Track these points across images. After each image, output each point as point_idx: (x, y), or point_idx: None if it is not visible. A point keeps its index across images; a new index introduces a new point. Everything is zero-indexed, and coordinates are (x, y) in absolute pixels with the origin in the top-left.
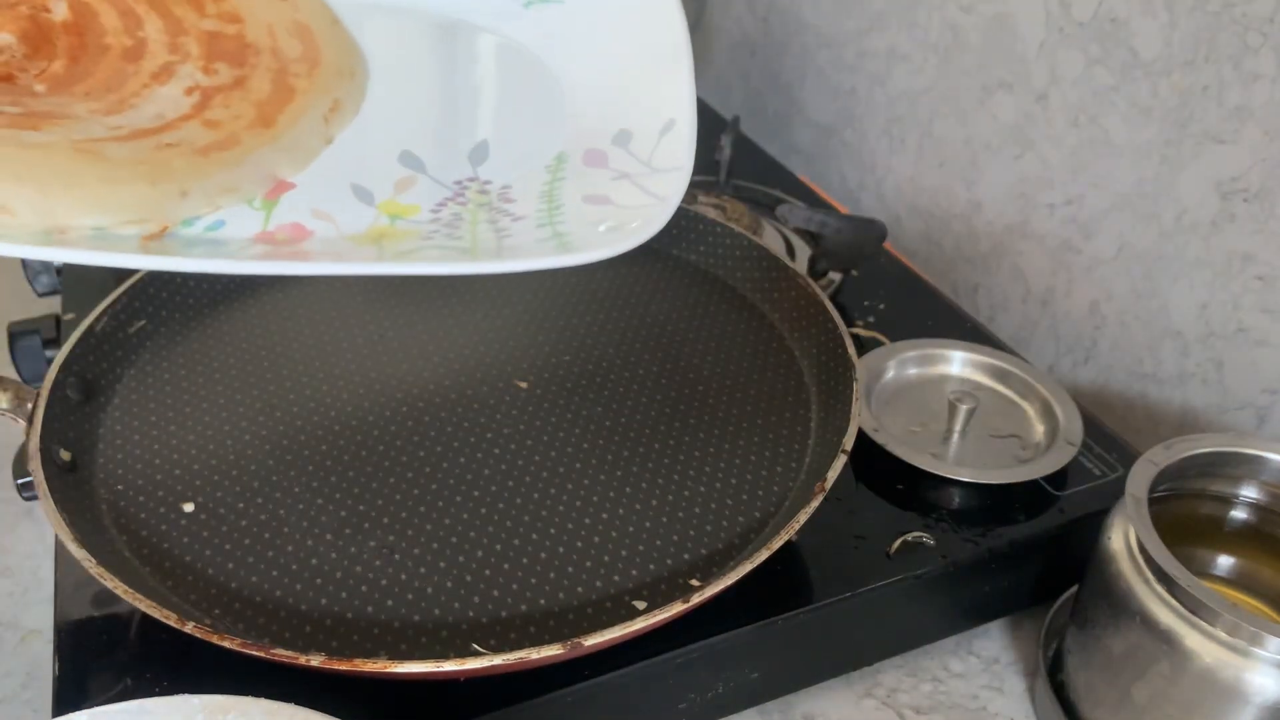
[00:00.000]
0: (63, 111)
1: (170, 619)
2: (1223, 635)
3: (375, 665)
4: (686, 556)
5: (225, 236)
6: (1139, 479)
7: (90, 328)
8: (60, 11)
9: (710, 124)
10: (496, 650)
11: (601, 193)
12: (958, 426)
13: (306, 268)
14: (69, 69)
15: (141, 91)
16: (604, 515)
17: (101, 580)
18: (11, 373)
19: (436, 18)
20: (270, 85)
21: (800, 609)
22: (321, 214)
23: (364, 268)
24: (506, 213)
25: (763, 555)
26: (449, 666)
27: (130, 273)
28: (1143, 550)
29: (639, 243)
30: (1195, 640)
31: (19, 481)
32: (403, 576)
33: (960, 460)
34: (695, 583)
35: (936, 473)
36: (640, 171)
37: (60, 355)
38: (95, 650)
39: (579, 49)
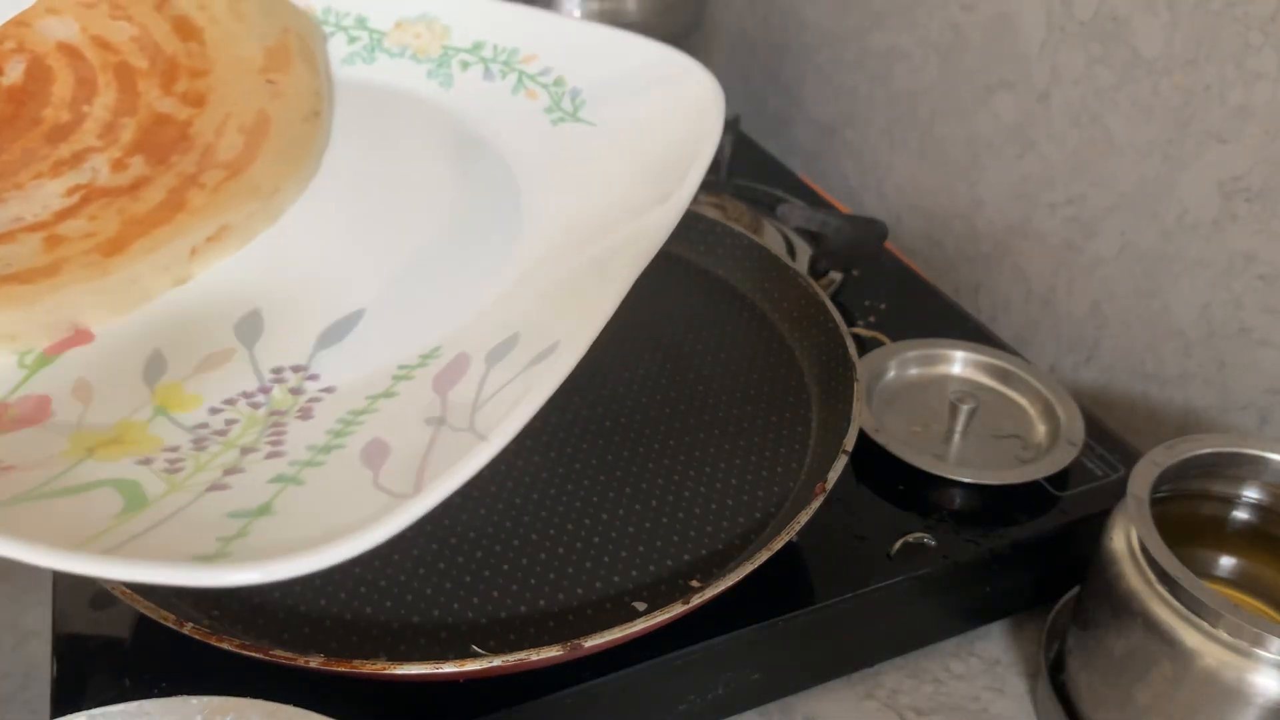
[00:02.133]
0: None
1: (169, 620)
2: (1225, 636)
3: (375, 666)
4: (686, 557)
5: None
6: (1141, 479)
7: None
8: (14, 74)
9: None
10: (496, 651)
11: (390, 443)
12: (959, 427)
13: None
14: None
15: (27, 184)
16: (604, 515)
17: (101, 580)
18: None
19: (446, 120)
20: (164, 195)
21: (801, 610)
22: (84, 389)
23: None
24: (277, 437)
25: (763, 556)
26: (448, 668)
27: None
28: (1145, 551)
29: (333, 562)
30: (1197, 641)
31: None
32: (402, 577)
33: (961, 461)
34: (695, 583)
35: (938, 473)
36: (456, 424)
37: None
38: (94, 651)
39: (571, 191)
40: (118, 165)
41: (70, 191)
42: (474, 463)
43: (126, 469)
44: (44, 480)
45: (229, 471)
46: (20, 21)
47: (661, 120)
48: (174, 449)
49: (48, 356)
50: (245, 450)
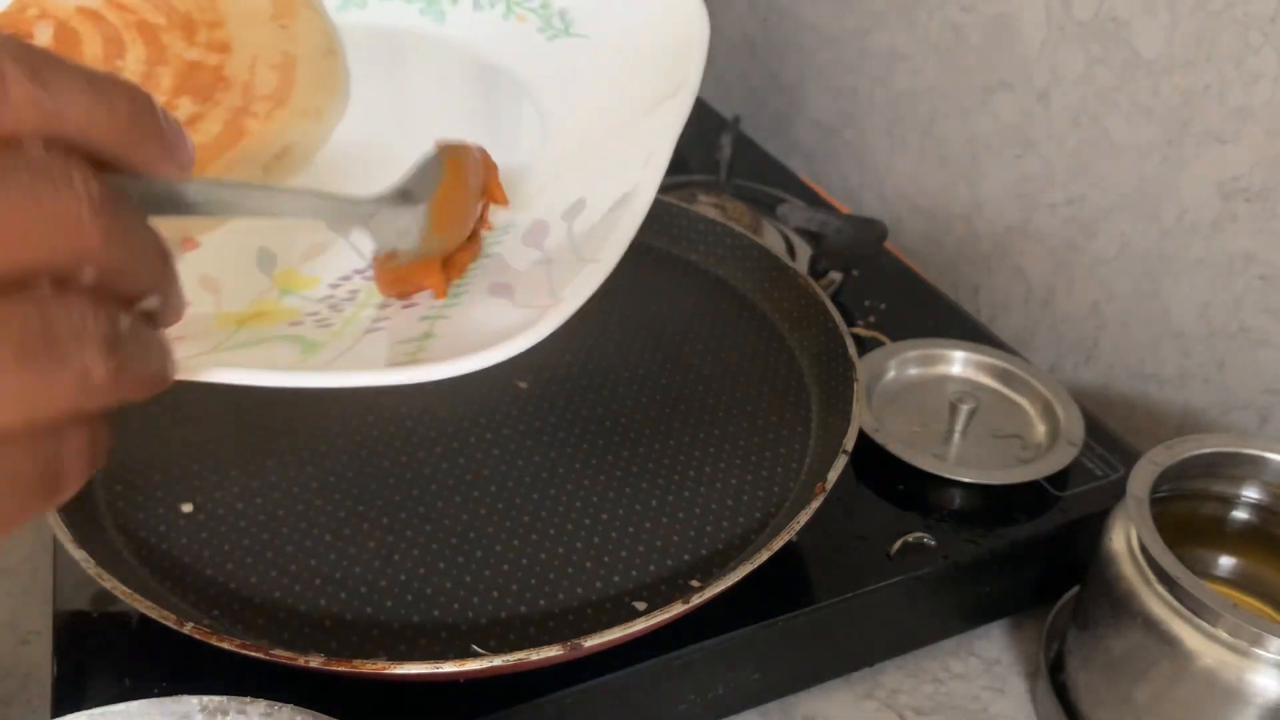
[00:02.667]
0: None
1: (169, 620)
2: (1224, 636)
3: (375, 666)
4: (686, 557)
5: None
6: (1140, 479)
7: None
8: (44, 37)
9: (710, 124)
10: (496, 651)
11: (510, 281)
12: (959, 427)
13: None
14: None
15: None
16: (604, 515)
17: (101, 580)
18: None
19: (448, 52)
20: (220, 126)
21: (801, 609)
22: (210, 282)
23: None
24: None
25: (763, 556)
26: (448, 667)
27: None
28: (1144, 551)
29: (499, 360)
30: (1197, 641)
31: None
32: (402, 577)
33: (961, 460)
34: (695, 583)
35: (937, 473)
36: (562, 258)
37: None
38: (94, 651)
39: (583, 94)
40: (170, 106)
41: None
42: (595, 277)
43: (282, 330)
44: (219, 341)
45: (376, 320)
46: None
47: (649, 26)
48: (314, 314)
49: None
50: (381, 306)
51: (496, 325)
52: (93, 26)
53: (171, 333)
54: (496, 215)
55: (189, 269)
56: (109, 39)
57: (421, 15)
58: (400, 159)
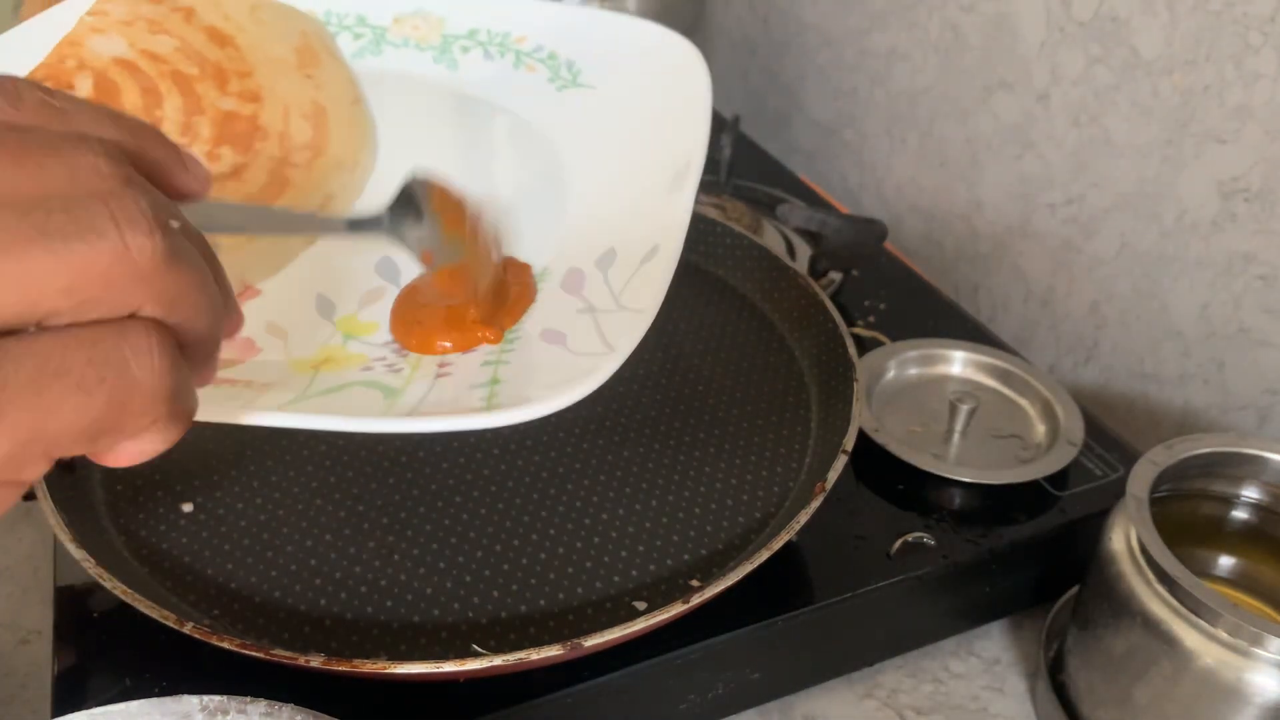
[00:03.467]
0: None
1: (169, 619)
2: (1224, 636)
3: (375, 666)
4: (686, 557)
5: None
6: (1140, 479)
7: None
8: (84, 89)
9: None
10: (496, 651)
11: (561, 329)
12: (958, 426)
13: (221, 416)
14: None
15: None
16: (604, 515)
17: (101, 580)
18: None
19: (464, 97)
20: (266, 176)
21: (800, 609)
22: (277, 329)
23: (273, 418)
24: None
25: (763, 556)
26: (449, 667)
27: None
28: (1144, 551)
29: (570, 403)
30: (1196, 641)
31: None
32: (403, 576)
33: (961, 460)
34: (695, 583)
35: (937, 473)
36: (606, 307)
37: None
38: (95, 650)
39: (597, 144)
40: (212, 156)
41: None
42: (640, 327)
43: (357, 375)
44: (303, 388)
45: (442, 365)
46: (72, 41)
47: (653, 83)
48: (381, 359)
49: None
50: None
51: (558, 371)
52: (129, 77)
53: (260, 379)
54: (532, 258)
55: (254, 316)
56: (146, 89)
57: (435, 63)
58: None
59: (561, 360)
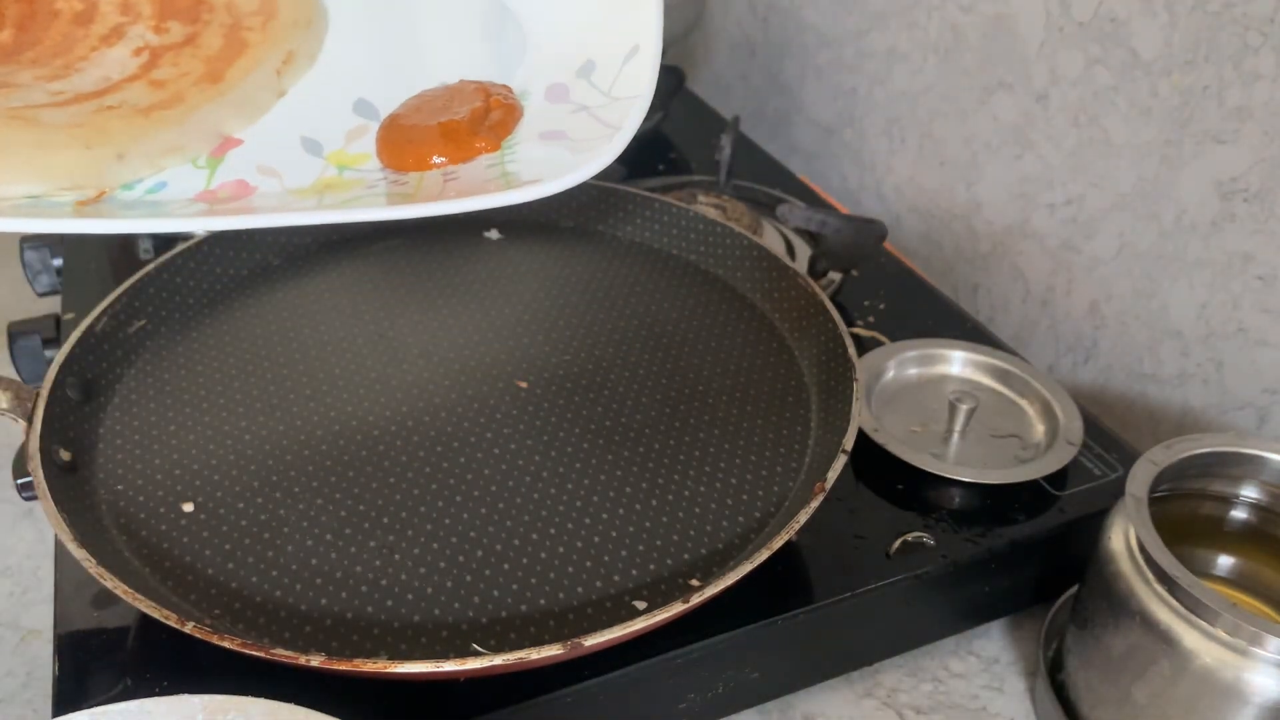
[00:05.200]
0: (6, 80)
1: (170, 619)
2: (1223, 635)
3: (375, 665)
4: (686, 556)
5: (165, 198)
6: (1139, 479)
7: (90, 328)
8: None
9: (710, 124)
10: (496, 650)
11: (558, 128)
12: (958, 426)
13: (241, 221)
14: (17, 38)
15: (89, 55)
16: (604, 515)
17: (101, 580)
18: (11, 373)
19: None
20: (222, 40)
21: (800, 609)
22: (267, 169)
23: (300, 217)
24: None
25: (763, 555)
26: (449, 666)
27: (130, 272)
28: (1143, 550)
29: (588, 176)
30: (1195, 640)
31: (19, 481)
32: (403, 576)
33: (960, 460)
34: (695, 583)
35: (937, 473)
36: (600, 103)
37: (60, 355)
38: (95, 650)
39: None
40: (159, 29)
41: (136, 53)
42: (639, 110)
43: (364, 192)
44: (314, 206)
45: (447, 175)
46: None
47: None
48: (384, 178)
49: (215, 159)
50: (443, 167)
51: (570, 153)
52: None
53: (265, 206)
54: (512, 85)
55: (242, 162)
56: None
57: None
58: (400, 59)
59: (568, 149)
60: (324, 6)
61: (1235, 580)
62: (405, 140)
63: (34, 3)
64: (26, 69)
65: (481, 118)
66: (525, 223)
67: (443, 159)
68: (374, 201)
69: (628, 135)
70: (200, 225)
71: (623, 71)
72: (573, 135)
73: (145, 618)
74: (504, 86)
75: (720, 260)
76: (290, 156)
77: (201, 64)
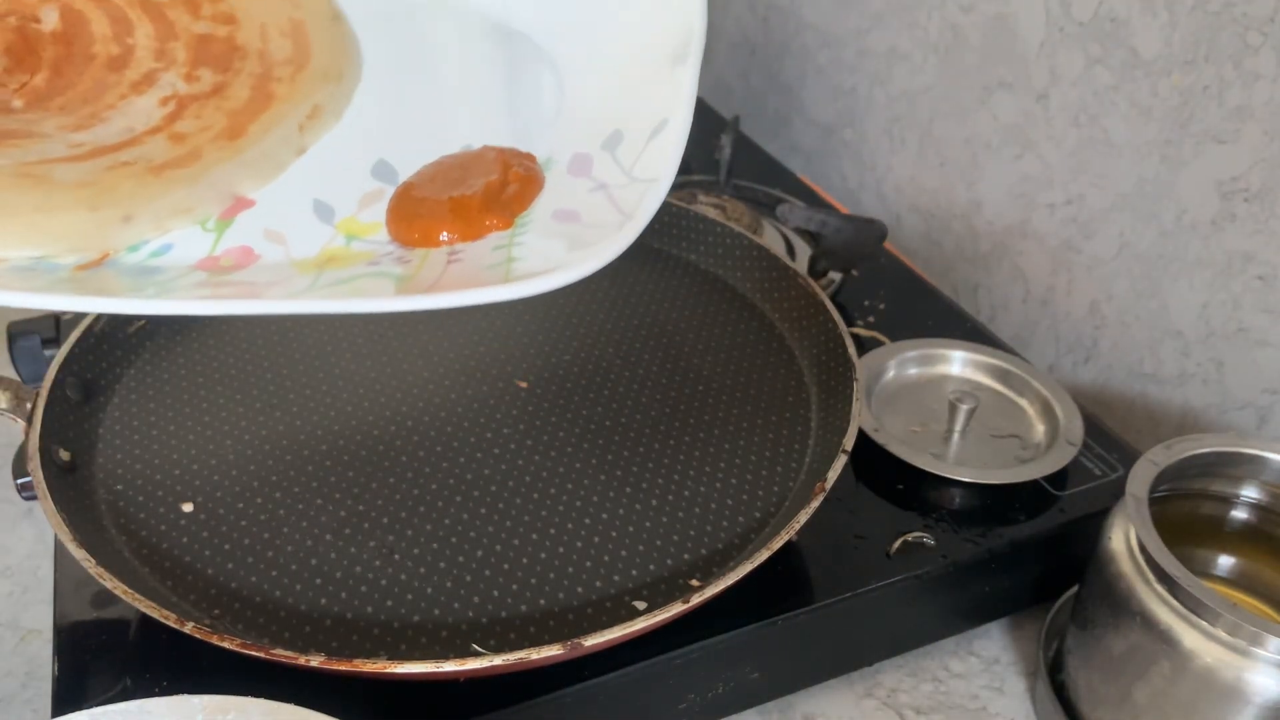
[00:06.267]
0: (30, 129)
1: (170, 619)
2: (1223, 635)
3: (375, 665)
4: (686, 556)
5: (167, 263)
6: (1139, 479)
7: (90, 328)
8: (50, 21)
9: (710, 124)
10: (496, 650)
11: (573, 207)
12: (958, 426)
13: (231, 306)
14: (51, 81)
15: (117, 104)
16: (604, 515)
17: (101, 580)
18: (11, 373)
19: (463, 9)
20: (249, 92)
21: (800, 609)
22: (274, 235)
23: (288, 306)
24: None
25: (763, 555)
26: (449, 666)
27: None
28: (1143, 550)
29: (591, 271)
30: (1196, 640)
31: (19, 481)
32: (403, 576)
33: (961, 460)
34: (695, 583)
35: (937, 473)
36: (619, 182)
37: (60, 355)
38: (95, 650)
39: (591, 36)
40: (189, 78)
41: (163, 102)
42: (657, 195)
43: (365, 270)
44: (310, 283)
45: (452, 254)
46: None
47: None
48: (389, 254)
49: (224, 221)
50: (450, 244)
51: (576, 243)
52: (97, 7)
53: (259, 280)
54: (532, 150)
55: (250, 225)
56: (115, 18)
57: None
58: (428, 118)
59: (579, 234)
60: (358, 58)
61: (1235, 580)
62: (415, 214)
63: (72, 45)
64: (54, 117)
65: (498, 192)
66: None
67: (451, 235)
68: (371, 285)
69: (639, 225)
70: (195, 309)
71: (648, 148)
72: (586, 218)
73: (145, 618)
74: (528, 156)
75: (720, 260)
76: (300, 220)
77: (225, 117)
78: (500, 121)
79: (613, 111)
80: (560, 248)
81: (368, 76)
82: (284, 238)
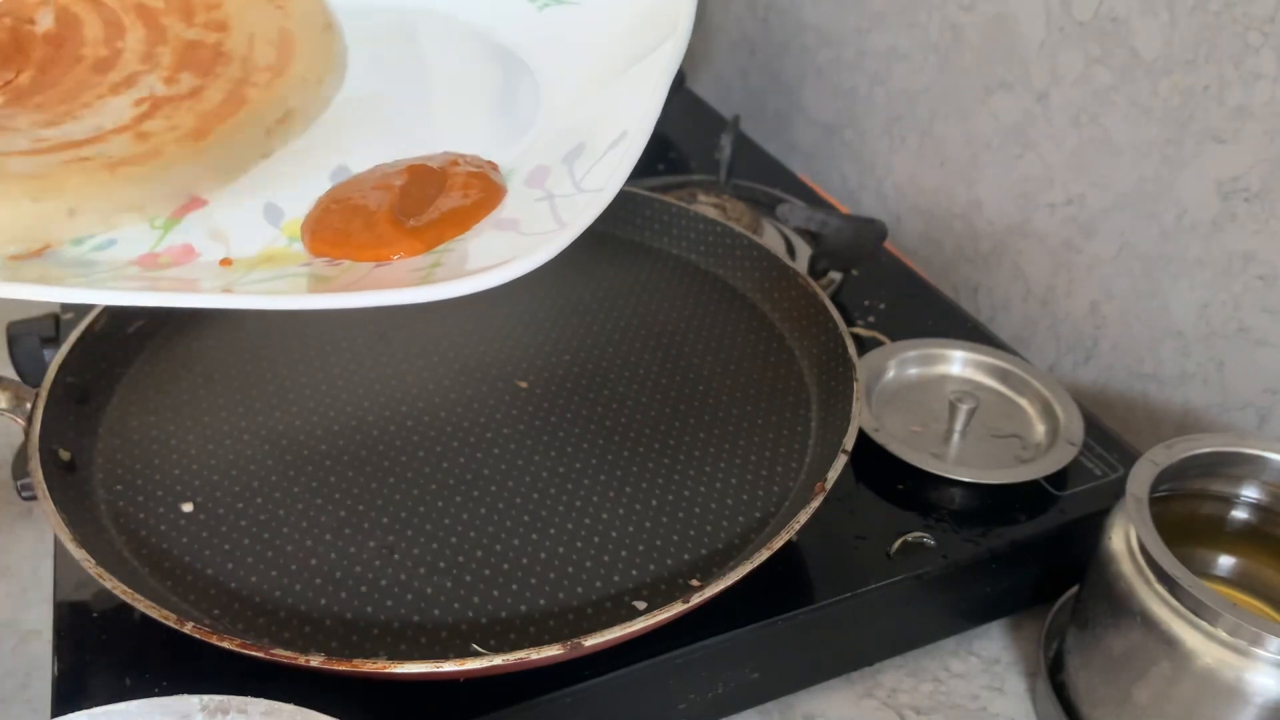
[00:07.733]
0: (2, 123)
1: (170, 619)
2: (1224, 635)
3: (375, 665)
4: (686, 556)
5: (106, 258)
6: (1140, 479)
7: (89, 327)
8: (45, 22)
9: (710, 124)
10: (496, 650)
11: (515, 216)
12: (958, 426)
13: (144, 298)
14: (35, 80)
15: (93, 103)
16: (604, 515)
17: (101, 580)
18: (11, 373)
19: (437, 17)
20: (223, 95)
21: (800, 609)
22: (219, 234)
23: (206, 300)
24: None
25: (763, 555)
26: (449, 666)
27: None
28: (1144, 550)
29: (512, 277)
30: (1196, 640)
31: (19, 481)
32: (403, 576)
33: (961, 460)
34: (695, 583)
35: (937, 473)
36: (565, 192)
37: (59, 355)
38: (95, 650)
39: (576, 55)
40: (170, 80)
41: (137, 103)
42: (596, 205)
43: (293, 270)
44: (235, 279)
45: (383, 261)
46: None
47: None
48: (322, 257)
49: (173, 219)
50: None
51: (505, 252)
52: (92, 10)
53: (189, 276)
54: (499, 162)
55: (197, 226)
56: (109, 22)
57: None
58: (403, 127)
59: (510, 243)
60: (343, 65)
61: (1236, 580)
62: (314, 229)
63: (62, 47)
64: (29, 113)
65: (418, 209)
66: None
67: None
68: (289, 284)
69: (573, 234)
70: (115, 299)
71: (603, 159)
72: (524, 227)
73: (145, 618)
74: (491, 165)
75: (720, 260)
76: (249, 221)
77: (194, 118)
78: (477, 132)
79: (581, 124)
80: (489, 254)
81: (351, 84)
82: (228, 237)
